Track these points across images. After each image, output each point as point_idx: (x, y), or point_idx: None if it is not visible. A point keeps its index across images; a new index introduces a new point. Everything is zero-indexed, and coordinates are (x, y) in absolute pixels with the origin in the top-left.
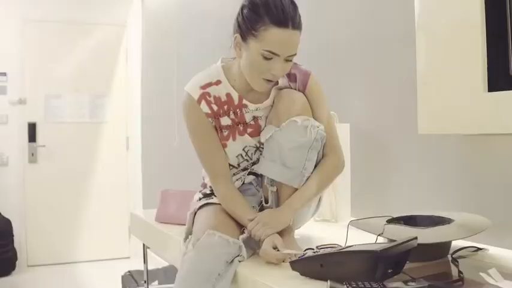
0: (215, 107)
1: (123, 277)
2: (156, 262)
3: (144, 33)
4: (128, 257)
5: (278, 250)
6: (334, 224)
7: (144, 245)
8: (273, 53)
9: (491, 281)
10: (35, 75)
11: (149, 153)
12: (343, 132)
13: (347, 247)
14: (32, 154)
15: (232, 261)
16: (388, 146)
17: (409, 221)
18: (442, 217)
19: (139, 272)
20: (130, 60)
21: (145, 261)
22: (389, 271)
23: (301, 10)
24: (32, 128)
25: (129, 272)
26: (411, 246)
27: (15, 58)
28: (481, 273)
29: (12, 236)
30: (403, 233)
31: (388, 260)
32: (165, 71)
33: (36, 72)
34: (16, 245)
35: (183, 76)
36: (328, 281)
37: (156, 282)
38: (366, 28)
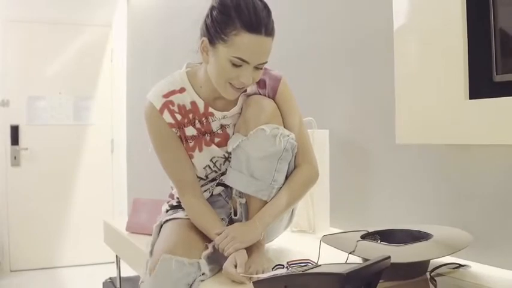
0: (179, 117)
1: (104, 284)
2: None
3: (130, 34)
4: (113, 262)
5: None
6: (311, 236)
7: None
8: (242, 60)
9: None
10: (18, 76)
11: (134, 156)
12: (322, 139)
13: (313, 266)
14: (15, 157)
15: (193, 282)
16: (369, 154)
17: (386, 235)
18: (421, 232)
19: (121, 278)
20: (115, 62)
21: (118, 268)
22: None
23: (279, 14)
24: (15, 131)
25: (109, 278)
26: (384, 266)
27: None
28: None
29: None
30: (377, 250)
31: (357, 283)
32: (151, 72)
33: (19, 74)
34: None
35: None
36: None
37: None
38: (347, 33)
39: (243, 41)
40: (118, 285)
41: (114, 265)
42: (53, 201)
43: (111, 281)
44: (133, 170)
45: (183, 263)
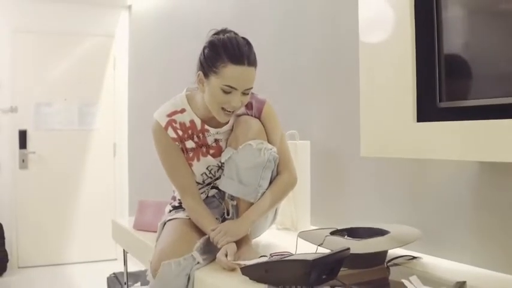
0: (180, 132)
1: (108, 279)
2: (139, 264)
3: (131, 43)
4: (115, 259)
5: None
6: (294, 233)
7: (124, 249)
8: (231, 87)
9: (410, 287)
10: (25, 84)
11: (135, 160)
12: (304, 149)
13: (289, 255)
14: (23, 160)
15: (190, 271)
16: (343, 163)
17: (352, 232)
18: (381, 229)
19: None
20: (117, 70)
21: (125, 263)
22: (324, 277)
23: (266, 38)
24: (23, 135)
25: (113, 273)
26: (344, 256)
27: (7, 67)
28: (403, 280)
29: (4, 238)
30: (340, 243)
31: (321, 268)
32: (151, 80)
33: (27, 81)
34: (7, 247)
35: (168, 85)
36: (267, 286)
37: (139, 283)
38: (323, 58)
39: (230, 72)
40: (125, 279)
41: (116, 262)
42: (59, 202)
43: (115, 276)
44: (134, 172)
45: (179, 262)
